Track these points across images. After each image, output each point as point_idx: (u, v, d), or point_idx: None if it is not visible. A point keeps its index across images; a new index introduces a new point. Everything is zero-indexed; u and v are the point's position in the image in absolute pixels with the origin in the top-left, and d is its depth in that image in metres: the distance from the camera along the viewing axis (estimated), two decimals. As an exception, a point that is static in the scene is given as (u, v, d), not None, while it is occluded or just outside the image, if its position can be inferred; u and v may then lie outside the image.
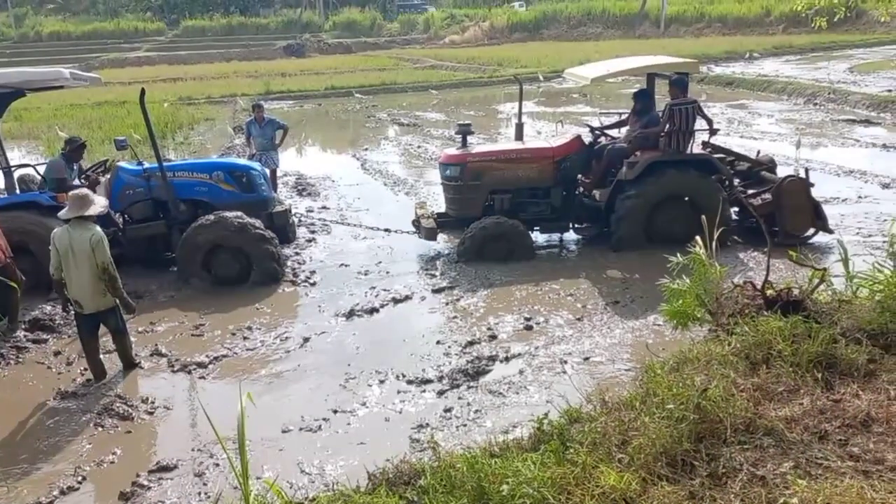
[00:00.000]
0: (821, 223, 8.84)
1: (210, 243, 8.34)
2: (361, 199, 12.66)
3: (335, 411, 5.77)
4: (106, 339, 6.70)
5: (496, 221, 8.87)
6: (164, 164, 8.74)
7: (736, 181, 9.36)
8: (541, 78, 27.93)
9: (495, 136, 17.69)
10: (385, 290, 8.26)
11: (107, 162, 10.00)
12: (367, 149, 17.47)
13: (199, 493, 4.81)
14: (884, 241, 7.23)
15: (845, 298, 4.88)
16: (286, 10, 59.17)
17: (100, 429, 5.67)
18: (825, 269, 4.90)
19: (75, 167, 9.06)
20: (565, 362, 6.29)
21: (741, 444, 3.60)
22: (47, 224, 7.82)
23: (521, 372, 6.19)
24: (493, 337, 6.89)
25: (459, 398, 5.84)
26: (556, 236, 9.96)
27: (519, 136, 10.69)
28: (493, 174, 9.24)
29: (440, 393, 5.95)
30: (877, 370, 4.14)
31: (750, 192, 9.22)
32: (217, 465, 5.11)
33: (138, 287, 8.25)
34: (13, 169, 9.07)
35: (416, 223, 9.69)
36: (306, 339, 7.13)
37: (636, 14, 45.65)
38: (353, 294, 8.22)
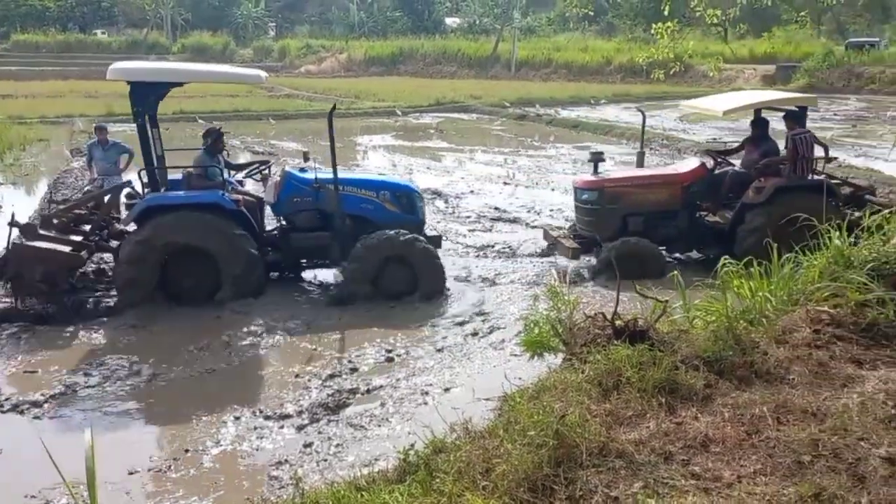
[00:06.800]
0: None
1: (390, 254, 8.45)
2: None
3: (186, 450, 5.49)
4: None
5: (633, 242, 9.26)
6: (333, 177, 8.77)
7: None
8: (398, 112, 28.43)
9: (352, 167, 17.72)
10: (240, 323, 7.99)
11: (268, 162, 10.13)
12: (219, 176, 16.90)
13: (33, 546, 4.41)
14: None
15: (683, 328, 5.29)
16: (131, 30, 56.65)
17: (-88, 479, 5.07)
18: (666, 301, 5.29)
19: (220, 158, 9.03)
20: (427, 393, 6.35)
21: (595, 467, 3.79)
22: (225, 230, 8.04)
23: (382, 404, 6.18)
24: (354, 370, 6.83)
25: (320, 433, 5.74)
26: None
27: (640, 163, 11.31)
28: (629, 198, 9.74)
29: (299, 428, 5.82)
30: (713, 394, 4.50)
31: (856, 214, 9.75)
32: (54, 513, 4.71)
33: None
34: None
35: (553, 244, 10.23)
36: (154, 375, 6.74)
37: (489, 56, 47.56)
38: (206, 327, 7.88)
